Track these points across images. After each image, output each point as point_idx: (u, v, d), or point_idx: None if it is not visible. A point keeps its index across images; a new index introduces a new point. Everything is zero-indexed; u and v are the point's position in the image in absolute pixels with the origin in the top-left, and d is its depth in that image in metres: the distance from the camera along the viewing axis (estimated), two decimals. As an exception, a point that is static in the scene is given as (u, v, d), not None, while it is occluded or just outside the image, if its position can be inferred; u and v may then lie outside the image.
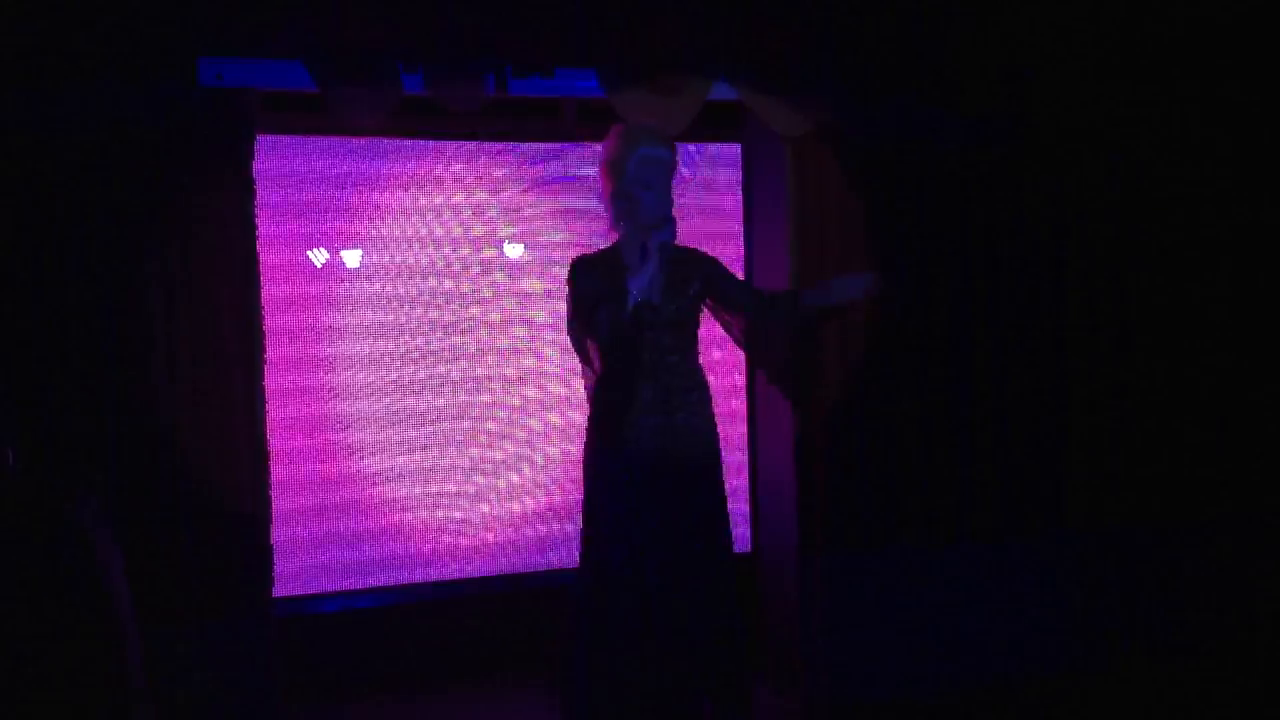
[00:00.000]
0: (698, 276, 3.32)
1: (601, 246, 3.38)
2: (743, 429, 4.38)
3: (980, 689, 4.00)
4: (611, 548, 3.20)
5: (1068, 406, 4.13)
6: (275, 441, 3.65)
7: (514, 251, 4.19)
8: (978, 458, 4.03)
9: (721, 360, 4.29)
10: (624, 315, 3.14)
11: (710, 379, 3.44)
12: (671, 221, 3.20)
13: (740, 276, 4.27)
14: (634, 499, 3.20)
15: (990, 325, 4.03)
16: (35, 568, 2.46)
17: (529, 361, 4.21)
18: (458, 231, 4.14)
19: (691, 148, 4.31)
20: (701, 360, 3.39)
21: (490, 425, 4.19)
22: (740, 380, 4.38)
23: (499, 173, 4.17)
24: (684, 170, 4.26)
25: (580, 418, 3.66)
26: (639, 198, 3.19)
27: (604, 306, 3.17)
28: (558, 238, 4.21)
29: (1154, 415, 4.24)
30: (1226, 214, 4.30)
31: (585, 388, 3.40)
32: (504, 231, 4.18)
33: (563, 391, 4.23)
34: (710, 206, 4.37)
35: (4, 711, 2.39)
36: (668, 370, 3.24)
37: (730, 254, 4.36)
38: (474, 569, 4.19)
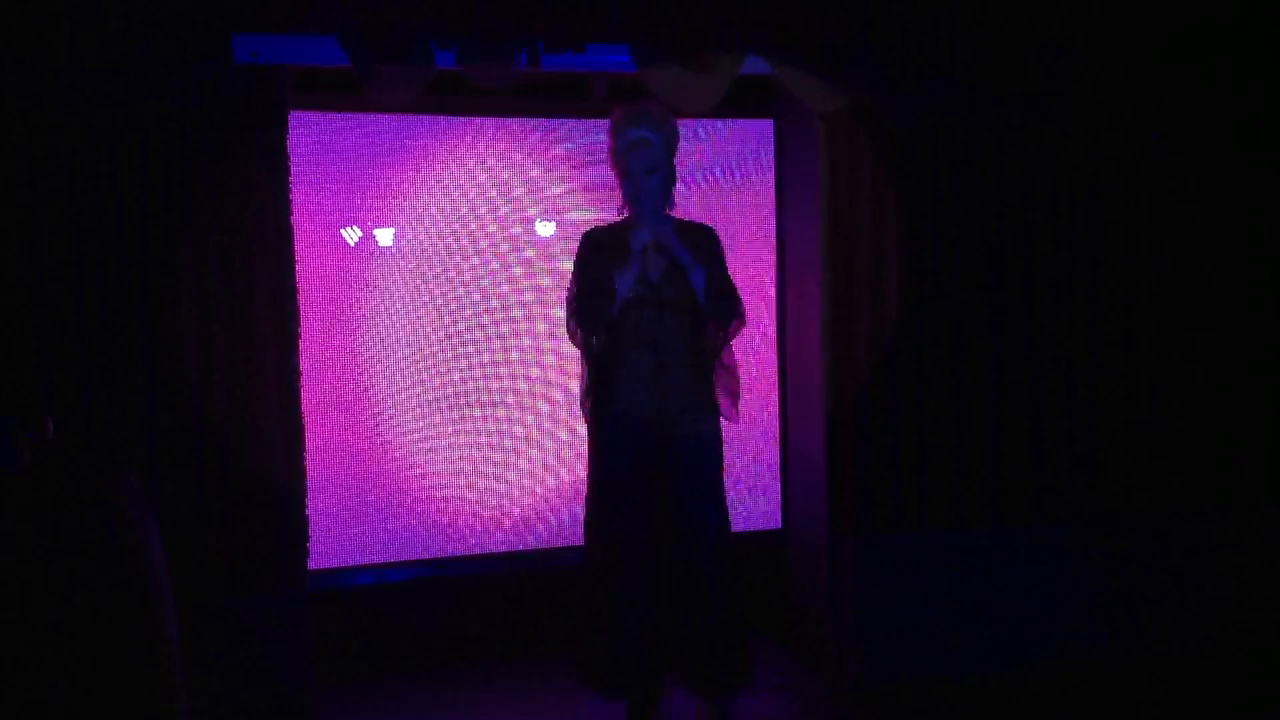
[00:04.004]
0: (700, 259, 3.29)
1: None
2: (774, 408, 4.37)
3: (1010, 672, 3.98)
4: (604, 517, 3.28)
5: (1102, 389, 4.09)
6: (309, 418, 3.67)
7: (545, 230, 4.19)
8: (1010, 440, 4.00)
9: (749, 340, 4.29)
10: (610, 312, 3.22)
11: (739, 357, 3.47)
12: (653, 215, 3.23)
13: (773, 260, 4.29)
14: (626, 468, 3.25)
15: (1024, 306, 4.00)
16: (73, 539, 2.48)
17: (561, 337, 4.21)
18: (489, 209, 4.14)
19: (723, 124, 4.29)
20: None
21: (536, 403, 4.21)
22: (772, 357, 4.37)
23: (531, 150, 4.17)
24: (702, 144, 4.26)
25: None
26: (624, 185, 3.27)
27: (595, 297, 3.23)
28: (588, 215, 4.20)
29: (1191, 399, 4.20)
30: (1266, 198, 4.23)
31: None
32: (535, 209, 4.18)
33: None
34: (742, 183, 4.36)
35: (42, 684, 2.42)
36: (666, 348, 3.27)
37: (762, 230, 4.35)
38: (507, 544, 4.21)
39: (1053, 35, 3.94)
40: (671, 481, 3.26)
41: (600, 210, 4.20)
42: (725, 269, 3.36)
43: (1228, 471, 4.25)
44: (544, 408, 4.23)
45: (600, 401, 3.34)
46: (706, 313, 3.30)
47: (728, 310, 3.32)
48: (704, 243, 3.33)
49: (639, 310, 3.26)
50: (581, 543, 4.20)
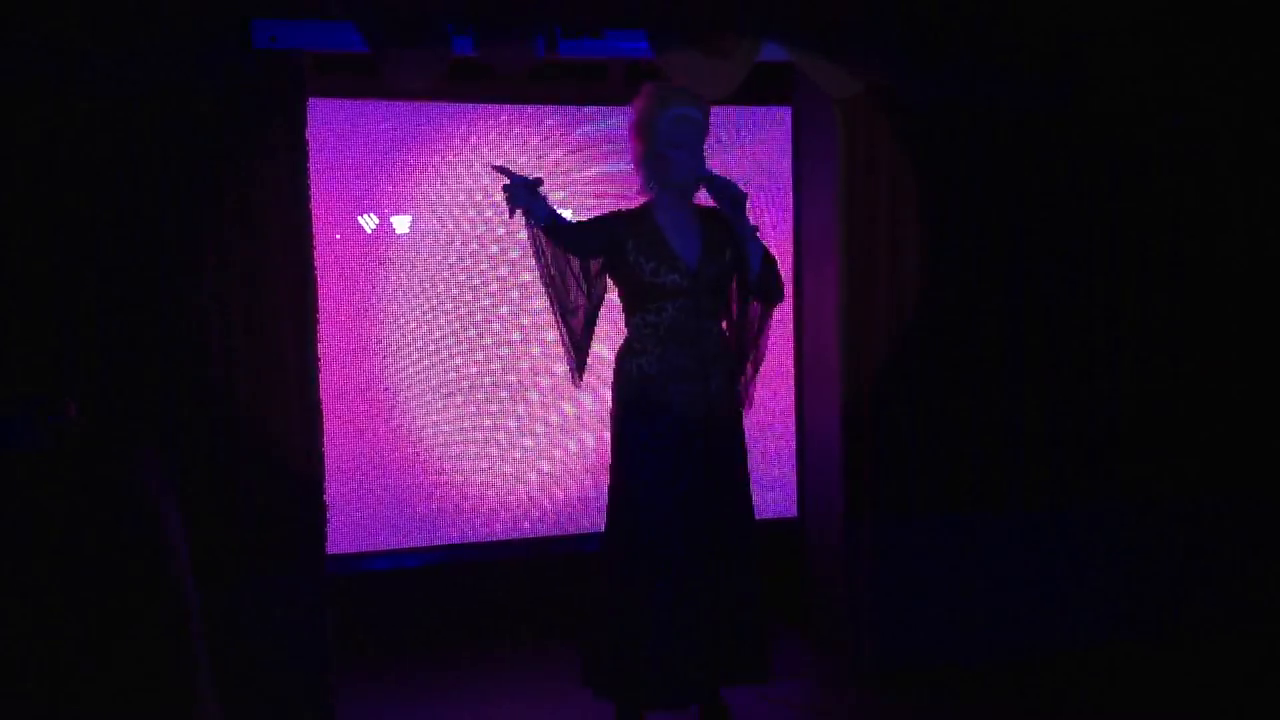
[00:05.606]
0: (730, 242, 3.25)
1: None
2: (790, 394, 4.37)
3: (1027, 658, 3.98)
4: (645, 513, 3.17)
5: (1122, 374, 4.08)
6: (326, 404, 3.68)
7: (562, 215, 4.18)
8: (1028, 426, 3.98)
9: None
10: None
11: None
12: (706, 180, 3.19)
13: (790, 247, 4.29)
14: (670, 466, 3.16)
15: (1044, 290, 3.98)
16: (94, 519, 2.50)
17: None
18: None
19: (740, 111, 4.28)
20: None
21: (543, 385, 4.22)
22: (788, 343, 4.37)
23: (547, 136, 4.17)
24: (719, 130, 4.25)
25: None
26: (671, 158, 3.17)
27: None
28: (606, 201, 4.20)
29: (1211, 383, 4.18)
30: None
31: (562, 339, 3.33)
32: (553, 195, 4.17)
33: (608, 356, 4.23)
34: (760, 171, 4.35)
35: (63, 661, 2.44)
36: (705, 335, 3.21)
37: (779, 219, 4.35)
38: (520, 530, 4.23)
39: (1074, 16, 3.91)
40: (716, 482, 3.22)
41: (618, 195, 4.20)
42: None
43: (1249, 456, 4.23)
44: (543, 387, 4.23)
45: (634, 400, 3.21)
46: (755, 291, 3.26)
47: (779, 288, 3.30)
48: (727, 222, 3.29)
49: (674, 301, 3.17)
50: (582, 526, 4.23)
